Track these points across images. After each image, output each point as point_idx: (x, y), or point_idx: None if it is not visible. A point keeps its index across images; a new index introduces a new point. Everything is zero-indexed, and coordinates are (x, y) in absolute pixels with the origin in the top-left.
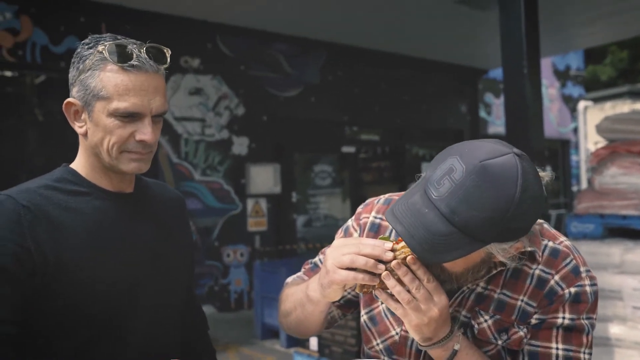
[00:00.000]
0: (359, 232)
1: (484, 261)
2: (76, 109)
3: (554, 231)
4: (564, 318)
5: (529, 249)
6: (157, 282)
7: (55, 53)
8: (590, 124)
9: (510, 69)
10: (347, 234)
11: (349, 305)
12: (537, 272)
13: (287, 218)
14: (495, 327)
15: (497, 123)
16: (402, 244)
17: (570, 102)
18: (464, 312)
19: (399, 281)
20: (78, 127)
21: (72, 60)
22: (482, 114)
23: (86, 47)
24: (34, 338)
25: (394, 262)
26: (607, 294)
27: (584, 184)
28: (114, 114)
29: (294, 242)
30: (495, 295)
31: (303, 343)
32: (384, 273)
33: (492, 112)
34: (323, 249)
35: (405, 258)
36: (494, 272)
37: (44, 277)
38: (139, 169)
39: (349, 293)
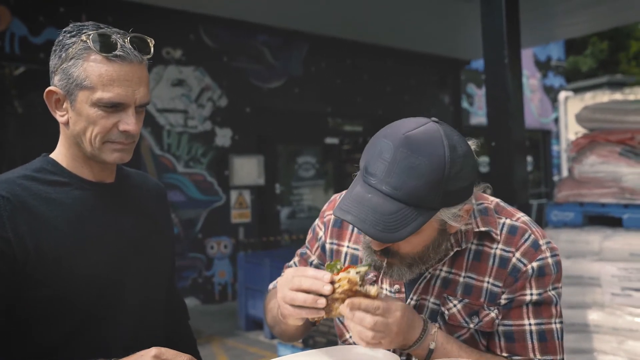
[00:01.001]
0: (323, 229)
1: (441, 234)
2: (58, 97)
3: (510, 208)
4: (531, 295)
5: (484, 229)
6: (140, 271)
7: (34, 44)
8: (570, 114)
9: (491, 59)
10: (314, 232)
11: None
12: (498, 251)
13: (270, 210)
14: (465, 311)
15: (479, 114)
16: (342, 274)
17: (551, 93)
18: (432, 300)
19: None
20: (59, 116)
21: (54, 48)
22: (465, 104)
23: (68, 35)
24: (18, 328)
25: (342, 306)
26: (586, 280)
27: (565, 174)
28: (98, 104)
29: (277, 234)
30: (461, 279)
31: None
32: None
33: (474, 102)
34: (298, 250)
35: (346, 290)
36: (452, 252)
37: (24, 267)
38: (121, 159)
39: None
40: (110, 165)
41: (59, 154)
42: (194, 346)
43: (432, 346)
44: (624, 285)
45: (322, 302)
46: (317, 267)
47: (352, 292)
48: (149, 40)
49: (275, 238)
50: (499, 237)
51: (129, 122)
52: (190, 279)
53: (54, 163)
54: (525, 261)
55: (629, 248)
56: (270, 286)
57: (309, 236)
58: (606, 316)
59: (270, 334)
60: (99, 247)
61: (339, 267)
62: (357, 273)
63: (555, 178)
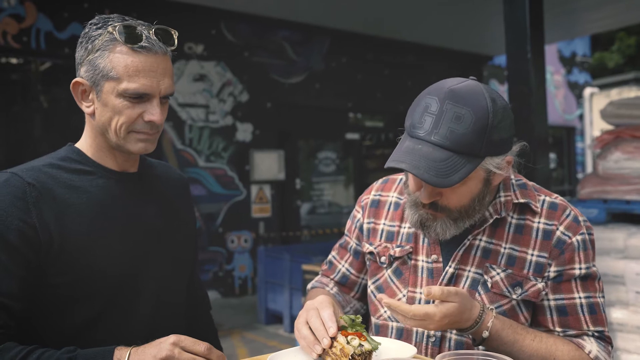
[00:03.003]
0: (361, 212)
1: (486, 185)
2: (84, 88)
3: (546, 190)
4: (580, 268)
5: (523, 200)
6: (162, 260)
7: (59, 39)
8: (596, 110)
9: (514, 54)
10: (352, 218)
11: (353, 285)
12: (541, 225)
13: (291, 204)
14: (507, 280)
15: None
16: (341, 339)
17: (576, 89)
18: (472, 269)
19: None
20: (85, 107)
21: (80, 40)
22: None
23: (94, 27)
24: (40, 313)
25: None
26: (610, 278)
27: (589, 171)
28: (123, 95)
29: (297, 229)
30: (502, 250)
31: None
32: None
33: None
34: (335, 245)
35: (338, 353)
36: (491, 220)
37: (48, 253)
38: (145, 149)
39: (348, 270)
40: (134, 155)
41: (84, 144)
42: (215, 336)
43: (485, 335)
44: None
45: (317, 350)
46: (356, 251)
47: (344, 354)
48: (172, 32)
49: (295, 233)
50: (539, 211)
51: (154, 113)
52: (211, 272)
53: (79, 152)
54: (569, 234)
55: None
56: (309, 286)
57: (347, 225)
58: (630, 314)
59: (290, 327)
60: (121, 235)
61: (352, 324)
62: (360, 346)
63: (579, 175)
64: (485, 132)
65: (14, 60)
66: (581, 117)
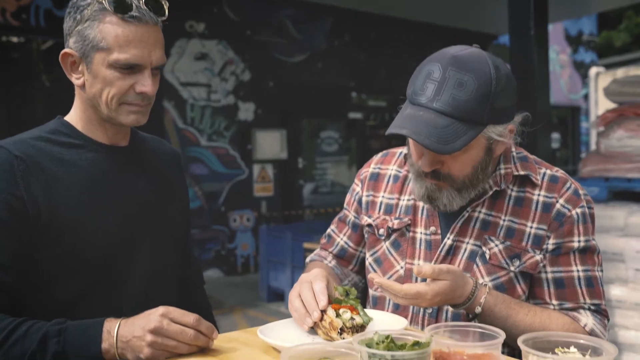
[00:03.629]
0: (360, 185)
1: (488, 153)
2: (73, 59)
3: (547, 163)
4: (579, 241)
5: (523, 172)
6: (154, 234)
7: (59, 17)
8: (601, 90)
9: (517, 30)
10: (351, 192)
11: (351, 258)
12: (540, 198)
13: (293, 184)
14: (506, 252)
15: None
16: (330, 312)
17: (581, 69)
18: (471, 241)
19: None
20: (75, 79)
21: (68, 11)
22: None
23: None
24: (31, 286)
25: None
26: (610, 256)
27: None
28: (114, 65)
29: (299, 208)
30: (501, 222)
31: None
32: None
33: None
34: (335, 219)
35: (327, 326)
36: (491, 192)
37: (37, 227)
38: (137, 121)
39: (346, 243)
40: (125, 129)
41: (74, 117)
42: (209, 312)
43: (477, 310)
44: None
45: (308, 323)
46: (354, 224)
47: (333, 328)
48: (163, 2)
49: (297, 212)
50: (539, 183)
51: (146, 84)
52: (213, 251)
53: (68, 125)
54: (569, 207)
55: None
56: (308, 259)
57: (346, 198)
58: (629, 292)
59: None
60: (111, 209)
61: (346, 297)
62: (350, 319)
63: (584, 155)
64: (488, 99)
65: (14, 39)
66: (586, 96)
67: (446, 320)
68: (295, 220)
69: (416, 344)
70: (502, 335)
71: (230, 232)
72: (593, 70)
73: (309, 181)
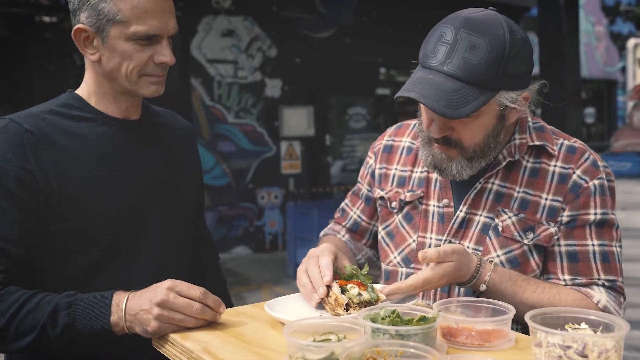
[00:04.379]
0: (373, 158)
1: (500, 121)
2: (87, 35)
3: (565, 134)
4: (595, 214)
5: (538, 142)
6: (162, 208)
7: None
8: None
9: (545, 1)
10: (365, 165)
11: (364, 232)
12: (557, 169)
13: (320, 161)
14: (519, 225)
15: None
16: (335, 289)
17: (619, 40)
18: (484, 214)
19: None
20: (90, 54)
21: None
22: None
23: None
24: (42, 259)
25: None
26: None
27: None
28: (132, 38)
29: (327, 185)
30: (516, 194)
31: None
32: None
33: (534, 52)
34: (349, 193)
35: (332, 302)
36: (504, 162)
37: (48, 200)
38: (157, 91)
39: (359, 217)
40: (137, 102)
41: (85, 91)
42: (223, 287)
43: (482, 288)
44: None
45: (315, 299)
46: (367, 197)
47: (338, 304)
48: None
49: (324, 189)
50: (556, 153)
51: (165, 54)
52: (242, 228)
53: (79, 99)
54: (586, 178)
55: None
56: (322, 234)
57: (360, 171)
58: None
59: None
60: (121, 183)
61: (354, 275)
62: (358, 295)
63: None
64: (501, 63)
65: (46, 19)
66: (624, 69)
67: (458, 294)
68: (323, 197)
69: (422, 319)
70: (512, 311)
71: (258, 209)
72: (631, 42)
73: (337, 158)
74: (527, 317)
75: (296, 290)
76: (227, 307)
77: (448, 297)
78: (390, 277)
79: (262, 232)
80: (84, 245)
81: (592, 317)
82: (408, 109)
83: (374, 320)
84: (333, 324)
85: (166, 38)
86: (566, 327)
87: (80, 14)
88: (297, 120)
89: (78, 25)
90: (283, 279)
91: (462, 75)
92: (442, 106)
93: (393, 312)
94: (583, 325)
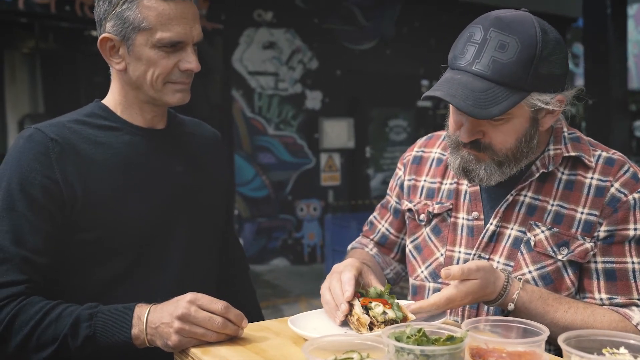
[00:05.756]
0: (402, 169)
1: (533, 125)
2: (112, 44)
3: (604, 146)
4: (635, 229)
5: (574, 153)
6: (188, 218)
7: None
8: None
9: (591, 11)
10: (394, 176)
11: (392, 245)
12: (594, 181)
13: (360, 173)
14: (553, 240)
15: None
16: (357, 309)
17: None
18: (516, 227)
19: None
20: (116, 64)
21: None
22: (570, 65)
23: None
24: (66, 269)
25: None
26: None
27: None
28: (158, 45)
29: (367, 197)
30: (549, 207)
31: None
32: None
33: (580, 63)
34: (378, 205)
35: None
36: (537, 174)
37: (72, 209)
38: (183, 99)
39: (387, 230)
40: (162, 111)
41: (111, 100)
42: (252, 297)
43: (510, 307)
44: None
45: (339, 316)
46: (396, 209)
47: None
48: None
49: (364, 201)
50: (593, 165)
51: (191, 60)
52: (280, 240)
53: (105, 108)
54: (625, 191)
55: None
56: (350, 247)
57: (390, 183)
58: None
59: None
60: (146, 192)
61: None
62: (383, 314)
63: None
64: (532, 62)
65: (93, 32)
66: None
67: (487, 311)
68: (363, 210)
69: (449, 338)
70: (546, 332)
71: (297, 221)
72: None
73: (378, 171)
74: (560, 340)
75: None
76: (257, 319)
77: (477, 314)
78: (418, 292)
79: (300, 244)
80: (108, 255)
81: (632, 342)
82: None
83: (398, 339)
84: (355, 342)
85: (191, 45)
86: (603, 351)
87: (106, 23)
88: (337, 132)
89: (104, 35)
90: None
91: (491, 75)
92: (470, 105)
93: (419, 330)
94: (622, 350)
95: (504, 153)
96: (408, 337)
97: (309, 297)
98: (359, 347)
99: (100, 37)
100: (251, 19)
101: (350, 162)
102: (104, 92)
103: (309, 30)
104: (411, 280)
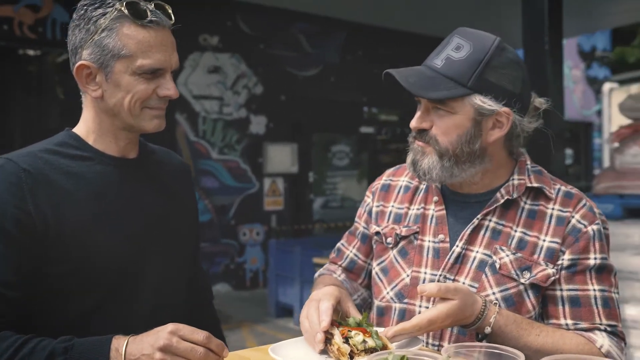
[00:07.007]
0: (371, 197)
1: (475, 127)
2: (89, 71)
3: (562, 181)
4: (595, 259)
5: (536, 184)
6: (161, 249)
7: None
8: (615, 106)
9: (532, 45)
10: (362, 204)
11: (360, 270)
12: (555, 212)
13: (303, 198)
14: (516, 264)
15: None
16: (337, 339)
17: (595, 84)
18: (481, 250)
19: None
20: (92, 91)
21: (75, 24)
22: None
23: (92, 7)
24: (37, 303)
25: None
26: (626, 275)
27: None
28: (138, 72)
29: (310, 222)
30: (513, 233)
31: None
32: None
33: None
34: (344, 234)
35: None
36: (502, 200)
37: (45, 241)
38: (159, 126)
39: (355, 256)
40: (135, 139)
41: (83, 129)
42: (217, 327)
43: (487, 331)
44: None
45: (317, 347)
46: (364, 235)
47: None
48: (167, 7)
49: (307, 226)
50: (553, 197)
51: (169, 87)
52: (222, 265)
53: (77, 138)
54: (585, 223)
55: None
56: (317, 275)
57: (358, 212)
58: None
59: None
60: (119, 223)
61: (356, 323)
62: (362, 342)
63: (597, 172)
64: (478, 65)
65: (30, 52)
66: (599, 112)
67: (451, 333)
68: (305, 234)
69: None
70: (521, 357)
71: (239, 246)
72: (606, 86)
73: (320, 195)
74: None
75: (277, 329)
76: None
77: (441, 335)
78: (385, 313)
79: (242, 269)
80: (81, 287)
81: None
82: (390, 147)
83: None
84: None
85: (169, 72)
86: None
87: (83, 51)
88: (281, 157)
89: (81, 62)
90: (264, 317)
91: (441, 69)
92: (412, 84)
93: (402, 357)
94: None
95: (445, 146)
96: None
97: (251, 322)
98: None
99: (77, 64)
100: (197, 43)
101: (293, 187)
102: (37, 114)
103: (254, 56)
104: (376, 302)
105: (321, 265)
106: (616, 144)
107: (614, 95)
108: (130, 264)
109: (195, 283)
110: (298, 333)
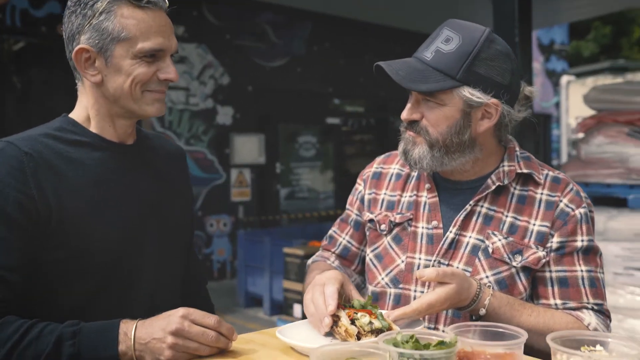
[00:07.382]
0: (362, 185)
1: (465, 118)
2: (88, 55)
3: (549, 166)
4: (582, 241)
5: (526, 170)
6: (158, 234)
7: (35, 17)
8: (572, 98)
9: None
10: (353, 192)
11: (354, 257)
12: (544, 197)
13: (270, 189)
14: (508, 248)
15: None
16: (344, 321)
17: (553, 77)
18: (474, 235)
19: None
20: (91, 76)
21: (72, 10)
22: None
23: None
24: (40, 287)
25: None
26: None
27: (564, 158)
28: (139, 55)
29: (277, 213)
30: (504, 218)
31: (287, 310)
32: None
33: None
34: (336, 221)
35: (343, 332)
36: (493, 187)
37: (47, 225)
38: (160, 110)
39: (349, 242)
40: (133, 125)
41: (80, 115)
42: (211, 311)
43: (481, 312)
44: (627, 265)
45: (322, 330)
46: (356, 222)
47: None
48: None
49: (274, 217)
50: (542, 182)
51: (170, 70)
52: None
53: (75, 123)
54: (572, 206)
55: (634, 228)
56: (310, 261)
57: (349, 199)
58: (608, 295)
59: (270, 310)
60: (117, 210)
61: (361, 305)
62: (369, 324)
63: (555, 162)
64: (467, 58)
65: None
66: (557, 104)
67: (446, 316)
68: (272, 225)
69: (441, 343)
70: (524, 335)
71: (206, 237)
72: (564, 79)
73: (285, 186)
74: (548, 339)
75: (246, 319)
76: None
77: (436, 317)
78: (379, 298)
79: (210, 260)
80: (81, 272)
81: (609, 340)
82: (354, 138)
83: (394, 345)
84: (355, 349)
85: (169, 55)
86: (582, 349)
87: (81, 36)
88: (248, 148)
89: (80, 46)
90: (233, 307)
91: (430, 61)
92: (402, 77)
93: (411, 336)
94: (598, 347)
95: (435, 137)
96: (403, 343)
97: (221, 313)
98: (359, 354)
99: (75, 49)
100: None
101: (260, 178)
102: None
103: (221, 46)
104: (371, 288)
105: (291, 255)
106: (581, 135)
107: (572, 87)
108: (128, 249)
109: (191, 268)
110: (267, 322)
